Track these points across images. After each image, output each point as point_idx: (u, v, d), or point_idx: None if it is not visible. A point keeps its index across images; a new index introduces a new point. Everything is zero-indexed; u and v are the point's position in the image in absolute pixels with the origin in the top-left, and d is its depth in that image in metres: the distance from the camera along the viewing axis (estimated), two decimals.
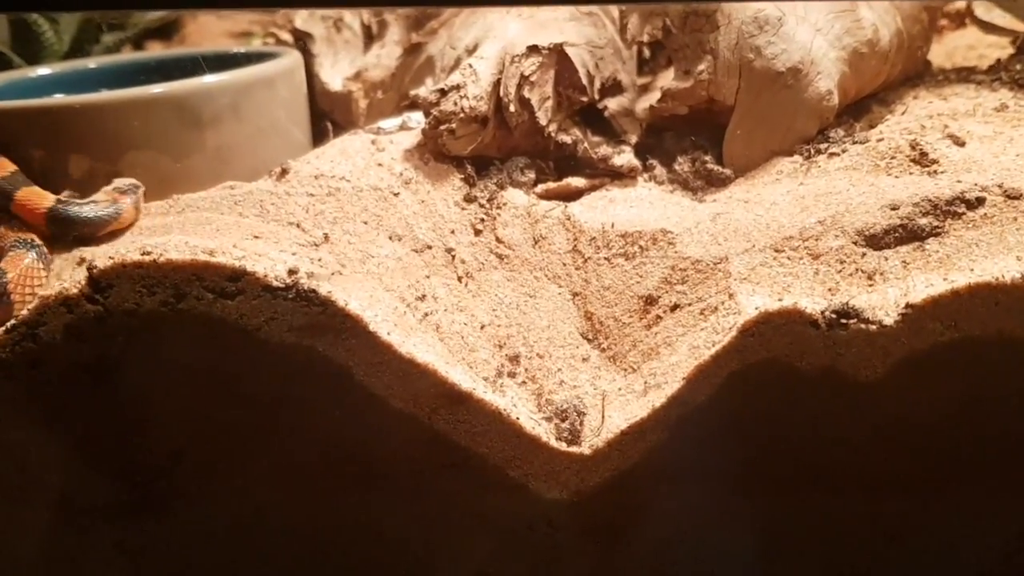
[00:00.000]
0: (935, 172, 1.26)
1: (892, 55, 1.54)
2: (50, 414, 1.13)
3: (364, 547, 1.20)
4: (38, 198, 1.21)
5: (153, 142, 1.34)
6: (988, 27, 1.82)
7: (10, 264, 1.11)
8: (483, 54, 1.44)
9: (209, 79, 1.39)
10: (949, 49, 2.10)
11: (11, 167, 1.27)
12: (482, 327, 1.25)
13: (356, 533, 1.19)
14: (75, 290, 1.06)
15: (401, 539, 1.19)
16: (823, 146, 1.39)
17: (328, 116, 1.81)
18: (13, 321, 1.08)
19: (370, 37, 1.89)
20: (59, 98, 1.47)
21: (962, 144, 1.32)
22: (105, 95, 1.36)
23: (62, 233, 1.20)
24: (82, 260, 1.13)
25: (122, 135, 1.32)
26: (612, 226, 1.32)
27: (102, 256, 1.09)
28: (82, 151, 1.32)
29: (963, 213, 1.16)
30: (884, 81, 1.59)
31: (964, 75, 1.72)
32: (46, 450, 1.15)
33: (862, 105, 1.59)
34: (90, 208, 1.21)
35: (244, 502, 1.19)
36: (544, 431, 1.12)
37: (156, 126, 1.34)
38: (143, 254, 1.07)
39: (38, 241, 1.17)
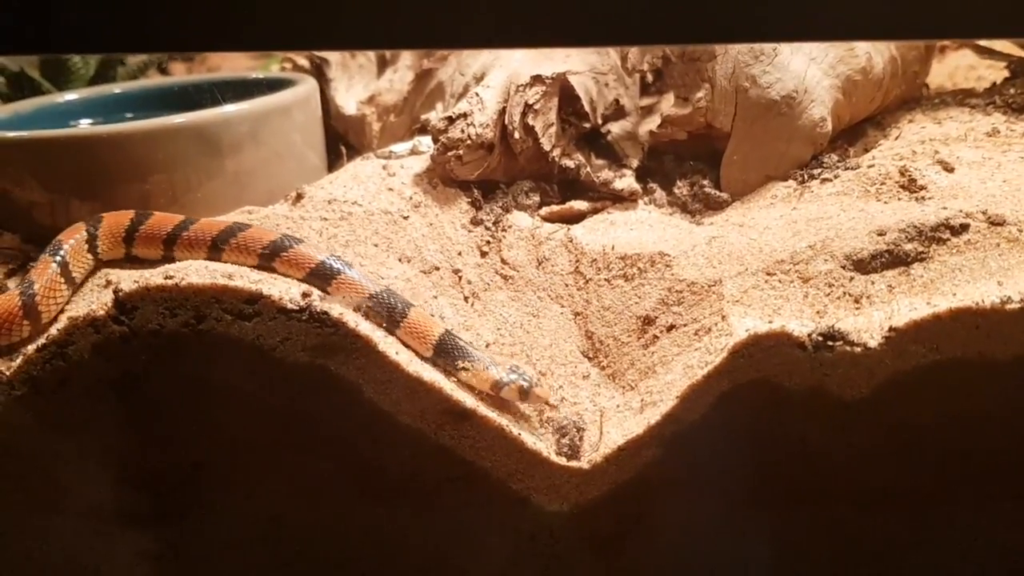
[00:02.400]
0: (923, 198, 1.31)
1: (886, 82, 1.59)
2: (77, 428, 1.19)
3: (372, 556, 1.25)
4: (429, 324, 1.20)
5: (175, 168, 1.41)
6: (984, 52, 1.86)
7: (37, 274, 1.18)
8: (489, 83, 1.50)
9: (229, 108, 1.45)
10: (951, 68, 2.14)
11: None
12: (487, 345, 1.31)
13: (365, 543, 1.24)
14: (102, 312, 1.12)
15: (408, 549, 1.24)
16: (816, 171, 1.44)
17: (343, 139, 1.87)
18: (43, 340, 1.15)
19: (383, 62, 1.96)
20: (89, 127, 1.54)
21: (951, 170, 1.36)
22: (132, 124, 1.42)
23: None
24: (108, 283, 1.19)
25: (146, 162, 1.39)
26: (612, 248, 1.38)
27: (127, 280, 1.15)
28: (110, 177, 1.38)
29: (947, 239, 1.20)
30: (879, 107, 1.64)
31: (960, 98, 1.76)
32: (73, 462, 1.21)
33: (857, 129, 1.63)
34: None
35: (259, 512, 1.25)
36: (544, 447, 1.17)
37: (178, 153, 1.40)
38: (166, 278, 1.13)
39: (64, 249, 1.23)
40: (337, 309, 1.13)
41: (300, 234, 1.34)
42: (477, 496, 1.20)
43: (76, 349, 1.14)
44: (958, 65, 2.15)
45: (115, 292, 1.13)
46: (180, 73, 2.41)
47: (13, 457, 1.20)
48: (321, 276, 1.20)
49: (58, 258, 1.21)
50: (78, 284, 1.25)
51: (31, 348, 1.15)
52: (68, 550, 1.27)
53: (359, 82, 1.93)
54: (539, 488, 1.18)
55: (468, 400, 1.15)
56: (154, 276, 1.14)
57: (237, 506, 1.25)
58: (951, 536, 1.18)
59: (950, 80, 2.05)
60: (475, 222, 1.45)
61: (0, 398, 1.15)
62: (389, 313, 1.19)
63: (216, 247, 1.23)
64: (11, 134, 1.40)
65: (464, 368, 1.18)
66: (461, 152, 1.43)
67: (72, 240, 1.24)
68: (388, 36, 0.93)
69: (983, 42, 1.89)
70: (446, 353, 1.18)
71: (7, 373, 1.15)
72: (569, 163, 1.52)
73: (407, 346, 1.19)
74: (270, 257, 1.22)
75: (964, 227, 1.20)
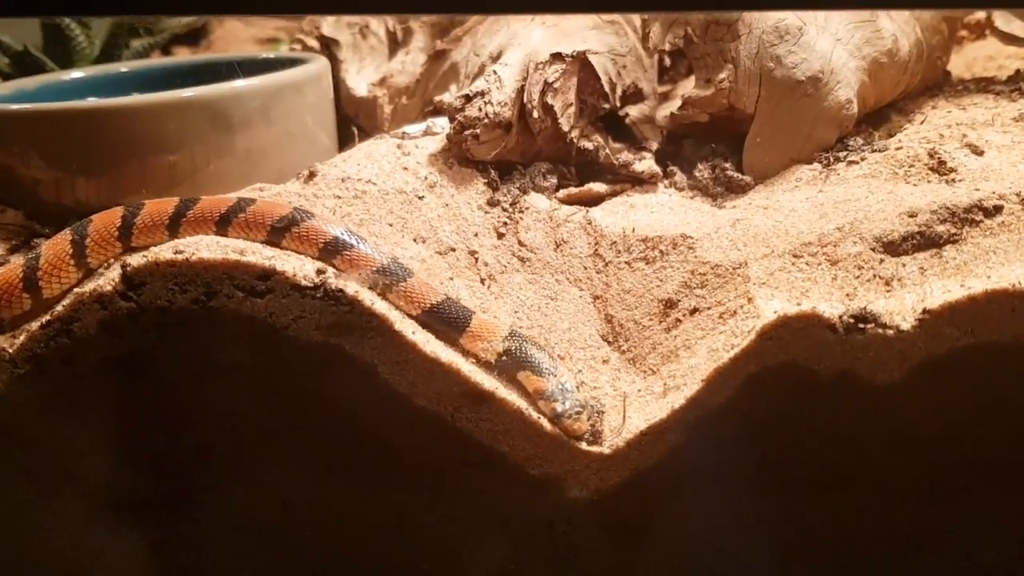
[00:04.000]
0: (953, 180, 1.28)
1: (911, 65, 1.56)
2: (82, 408, 1.16)
3: (387, 542, 1.22)
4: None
5: (185, 144, 1.37)
6: (1008, 38, 1.83)
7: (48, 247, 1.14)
8: (507, 61, 1.47)
9: (240, 83, 1.42)
10: (969, 59, 2.11)
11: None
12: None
13: (380, 528, 1.21)
14: (109, 287, 1.09)
15: (424, 535, 1.21)
16: (842, 154, 1.41)
17: (354, 121, 1.84)
18: (48, 316, 1.11)
19: (395, 43, 1.92)
20: (95, 101, 1.51)
21: (980, 153, 1.33)
22: (140, 98, 1.39)
23: None
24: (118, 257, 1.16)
25: (156, 137, 1.35)
26: (633, 231, 1.35)
27: (136, 254, 1.12)
28: (117, 152, 1.35)
29: (981, 221, 1.17)
30: (903, 91, 1.61)
31: (983, 85, 1.73)
32: (78, 442, 1.18)
33: (881, 114, 1.60)
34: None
35: (269, 496, 1.21)
36: None
37: (188, 129, 1.37)
38: (175, 253, 1.10)
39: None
40: (353, 287, 1.10)
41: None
42: (494, 481, 1.16)
43: (82, 326, 1.10)
44: (976, 56, 2.13)
45: (123, 267, 1.10)
46: (185, 56, 2.38)
47: (15, 438, 1.16)
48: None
49: (77, 237, 1.16)
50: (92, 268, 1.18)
51: (35, 325, 1.12)
52: (71, 533, 1.23)
53: (370, 64, 1.90)
54: (558, 474, 1.15)
55: (487, 382, 1.12)
56: (163, 251, 1.11)
57: (246, 490, 1.21)
58: (986, 524, 1.15)
59: (968, 70, 2.02)
60: (492, 203, 1.41)
61: (3, 376, 1.11)
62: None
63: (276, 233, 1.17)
64: (14, 107, 1.37)
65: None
66: (478, 131, 1.40)
67: (103, 224, 1.17)
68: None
69: (1006, 29, 1.86)
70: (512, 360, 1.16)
71: (10, 351, 1.12)
72: (588, 145, 1.48)
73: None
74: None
75: (998, 209, 1.17)
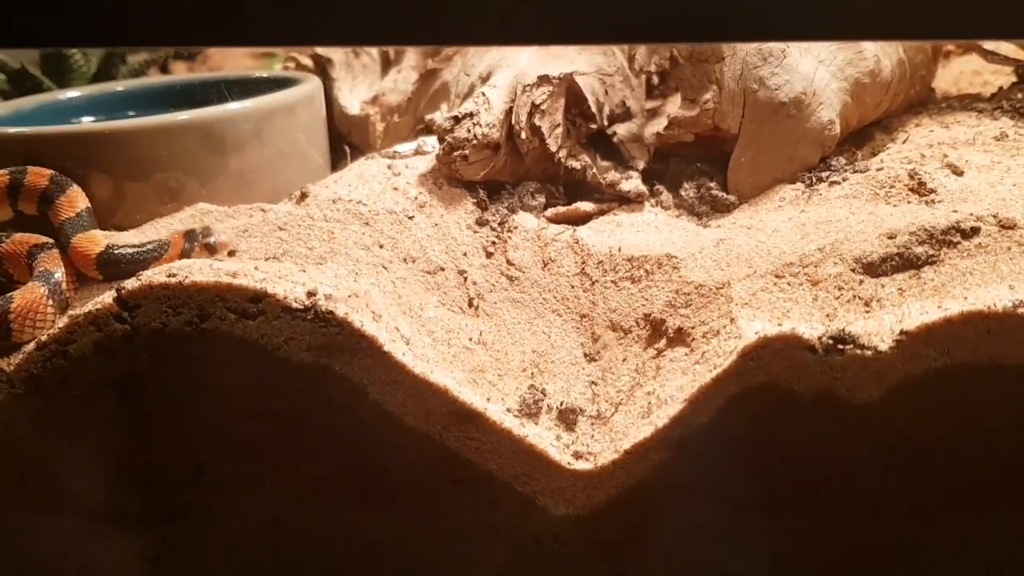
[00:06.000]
0: (932, 201, 1.30)
1: (894, 85, 1.58)
2: (78, 427, 1.18)
3: (377, 559, 1.24)
4: (91, 244, 1.26)
5: (179, 166, 1.40)
6: (991, 56, 1.85)
7: (20, 295, 1.17)
8: (496, 83, 1.49)
9: (233, 106, 1.44)
10: (956, 74, 2.13)
11: (82, 204, 1.32)
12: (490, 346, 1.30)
13: (369, 546, 1.23)
14: (104, 310, 1.11)
15: (413, 552, 1.23)
16: (824, 174, 1.43)
17: (346, 139, 1.86)
18: (44, 338, 1.13)
19: (387, 62, 1.95)
20: (90, 123, 1.53)
21: (960, 174, 1.35)
22: (135, 121, 1.41)
23: (113, 276, 1.24)
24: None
25: (150, 159, 1.38)
26: (619, 250, 1.37)
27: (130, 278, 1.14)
28: (111, 174, 1.37)
29: (958, 242, 1.19)
30: (886, 110, 1.63)
31: (967, 102, 1.75)
32: (73, 461, 1.20)
33: (865, 133, 1.63)
34: (135, 249, 1.26)
35: (261, 514, 1.23)
36: (553, 449, 1.16)
37: (182, 151, 1.39)
38: (169, 276, 1.12)
39: (58, 277, 1.22)
40: (343, 308, 1.12)
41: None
42: (482, 499, 1.18)
43: (77, 347, 1.13)
44: (963, 71, 2.15)
45: (117, 290, 1.12)
46: (182, 73, 2.40)
47: (13, 456, 1.19)
48: None
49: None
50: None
51: (31, 345, 1.14)
52: (67, 550, 1.25)
53: (363, 82, 1.92)
54: (545, 491, 1.17)
55: (476, 401, 1.14)
56: (157, 274, 1.13)
57: (238, 508, 1.23)
58: (963, 543, 1.17)
59: (955, 86, 2.05)
60: (480, 223, 1.43)
61: (0, 396, 1.14)
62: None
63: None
64: (12, 130, 1.38)
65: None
66: (467, 152, 1.42)
67: None
68: (392, 32, 0.91)
69: (989, 46, 1.88)
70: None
71: (7, 370, 1.14)
72: (575, 164, 1.51)
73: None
74: None
75: (975, 230, 1.19)
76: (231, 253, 1.31)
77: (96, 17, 0.86)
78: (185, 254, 1.27)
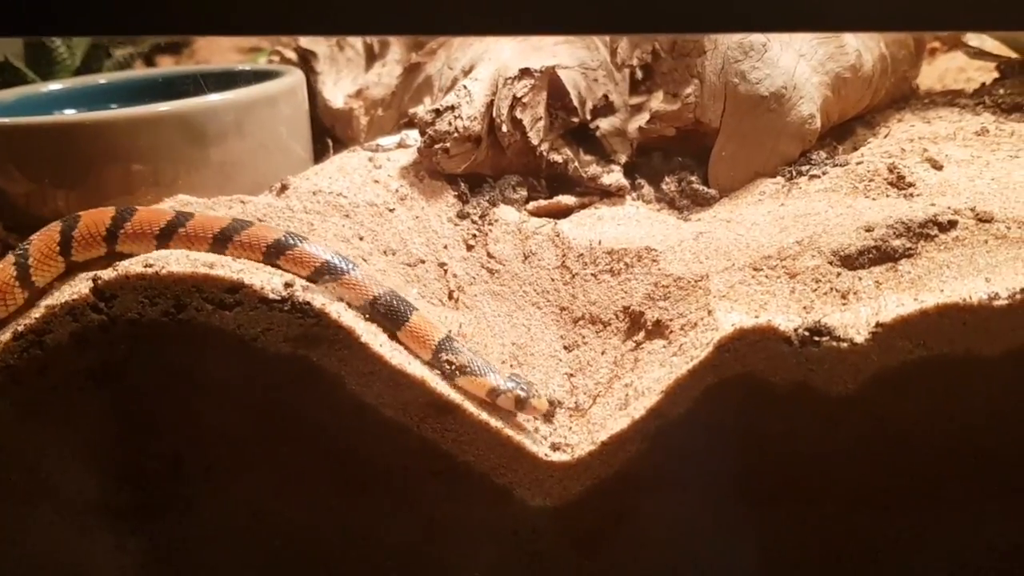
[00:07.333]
0: (911, 195, 1.30)
1: (876, 80, 1.58)
2: (56, 418, 1.18)
3: (356, 549, 1.24)
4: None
5: (160, 157, 1.39)
6: (975, 53, 1.86)
7: None
8: (478, 76, 1.49)
9: (214, 97, 1.44)
10: (940, 71, 2.14)
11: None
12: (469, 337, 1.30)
13: (347, 537, 1.23)
14: (80, 300, 1.11)
15: (390, 544, 1.23)
16: (805, 168, 1.44)
17: (330, 132, 1.86)
18: (20, 328, 1.13)
19: (372, 56, 1.95)
20: (70, 114, 1.52)
21: (939, 168, 1.36)
22: (115, 112, 1.41)
23: None
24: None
25: (130, 150, 1.37)
26: (599, 243, 1.37)
27: (106, 268, 1.14)
28: (92, 165, 1.37)
29: (935, 236, 1.20)
30: (868, 105, 1.64)
31: (949, 98, 1.76)
32: (52, 453, 1.20)
33: (846, 127, 1.63)
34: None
35: (240, 506, 1.23)
36: (528, 440, 1.16)
37: (162, 142, 1.39)
38: (145, 266, 1.11)
39: (30, 254, 1.20)
40: (320, 299, 1.12)
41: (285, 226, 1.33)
42: (459, 490, 1.18)
43: (54, 337, 1.12)
44: (947, 67, 2.15)
45: (94, 280, 1.12)
46: (167, 66, 2.40)
47: None
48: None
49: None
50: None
51: (7, 336, 1.13)
52: (48, 544, 1.25)
53: (347, 76, 1.92)
54: (522, 482, 1.17)
55: (452, 393, 1.14)
56: (133, 264, 1.13)
57: (218, 500, 1.23)
58: (939, 534, 1.17)
59: (939, 82, 2.05)
60: (461, 216, 1.44)
61: None
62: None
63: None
64: None
65: (463, 373, 1.16)
66: (448, 145, 1.42)
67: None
68: (377, 21, 0.91)
69: (973, 42, 1.89)
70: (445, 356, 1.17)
71: None
72: (557, 158, 1.51)
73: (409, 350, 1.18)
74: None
75: (952, 224, 1.20)
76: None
77: (80, 5, 0.86)
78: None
